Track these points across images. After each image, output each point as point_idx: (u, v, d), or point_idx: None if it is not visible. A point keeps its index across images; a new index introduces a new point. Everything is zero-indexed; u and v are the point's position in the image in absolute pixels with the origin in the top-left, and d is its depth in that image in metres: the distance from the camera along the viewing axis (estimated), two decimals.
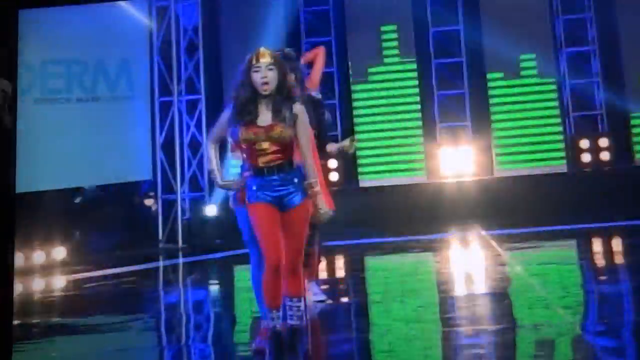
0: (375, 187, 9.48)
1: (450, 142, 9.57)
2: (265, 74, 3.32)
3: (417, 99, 9.67)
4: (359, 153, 9.47)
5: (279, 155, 3.35)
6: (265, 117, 3.34)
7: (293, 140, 3.39)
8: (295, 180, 3.39)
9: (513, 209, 8.50)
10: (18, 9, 5.29)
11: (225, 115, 3.40)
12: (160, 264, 8.31)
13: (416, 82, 9.72)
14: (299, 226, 3.38)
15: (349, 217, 8.23)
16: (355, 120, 9.72)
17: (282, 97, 3.37)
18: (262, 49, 3.41)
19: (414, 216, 8.84)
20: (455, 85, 9.74)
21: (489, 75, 9.68)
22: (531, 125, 9.47)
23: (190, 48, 9.61)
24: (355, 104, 9.77)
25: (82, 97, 8.86)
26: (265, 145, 3.31)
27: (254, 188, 3.37)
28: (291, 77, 3.54)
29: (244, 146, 3.36)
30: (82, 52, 8.72)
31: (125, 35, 9.16)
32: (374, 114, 9.68)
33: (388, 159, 9.59)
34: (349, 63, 9.85)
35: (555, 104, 9.50)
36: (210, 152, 3.52)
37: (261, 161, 3.33)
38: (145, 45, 9.47)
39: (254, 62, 3.35)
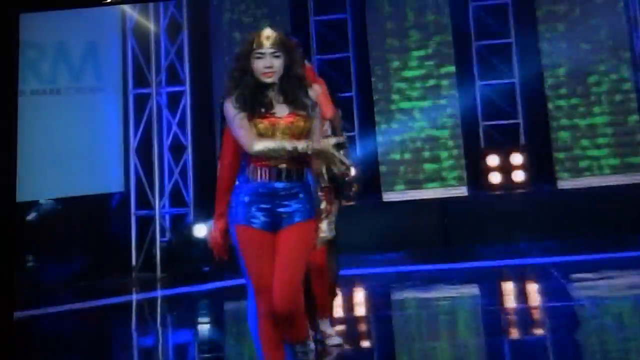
0: (402, 202, 9.29)
1: (498, 145, 9.39)
2: (270, 63, 3.31)
3: (454, 90, 9.46)
4: (381, 158, 9.34)
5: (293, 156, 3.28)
6: (280, 107, 3.33)
7: (307, 131, 3.35)
8: (301, 195, 3.33)
9: (580, 230, 8.39)
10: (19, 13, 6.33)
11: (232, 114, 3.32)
12: (134, 297, 8.21)
13: (453, 69, 9.51)
14: (295, 251, 3.29)
15: (369, 240, 8.59)
16: (377, 118, 9.56)
17: (292, 83, 3.36)
18: (266, 31, 3.37)
19: (451, 239, 8.74)
20: (501, 73, 9.56)
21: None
22: (606, 123, 9.24)
23: (172, 28, 9.53)
24: (375, 96, 9.61)
25: (37, 89, 8.78)
26: (284, 137, 3.27)
27: (246, 200, 3.30)
28: (301, 65, 3.49)
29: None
30: (38, 33, 8.58)
31: (90, 11, 8.99)
32: (398, 110, 9.53)
33: (417, 166, 9.41)
34: (369, 48, 9.70)
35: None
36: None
37: (269, 162, 3.27)
38: (117, 24, 9.39)
39: (255, 46, 3.32)
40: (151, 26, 9.34)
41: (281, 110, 3.32)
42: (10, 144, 6.24)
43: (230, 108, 3.31)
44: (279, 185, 3.29)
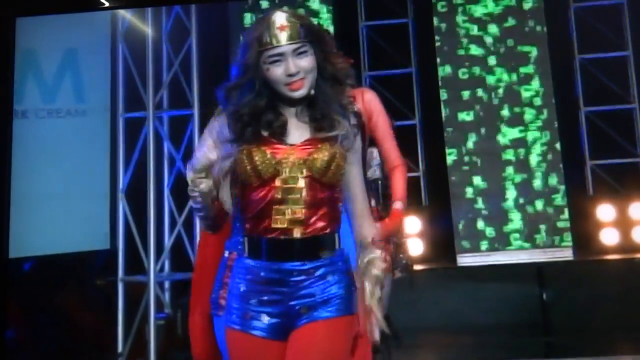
0: (483, 267, 7.77)
1: (612, 192, 7.89)
2: (294, 67, 2.42)
3: (548, 114, 7.95)
4: (453, 212, 7.91)
5: (319, 211, 2.46)
6: (297, 130, 2.51)
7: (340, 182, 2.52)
8: (331, 277, 2.48)
9: None
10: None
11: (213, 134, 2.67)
12: None
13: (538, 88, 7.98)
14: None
15: (434, 320, 7.14)
16: (448, 149, 8.04)
17: (324, 91, 2.49)
18: (278, 17, 2.46)
19: (551, 321, 7.08)
20: (613, 95, 8.02)
21: None
22: None
23: (177, 32, 8.21)
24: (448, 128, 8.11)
25: None
26: (297, 183, 2.44)
27: (241, 289, 2.50)
28: (339, 61, 2.57)
29: (242, 190, 2.50)
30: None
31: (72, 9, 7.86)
32: (476, 131, 8.08)
33: (505, 219, 7.91)
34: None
35: None
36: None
37: (278, 222, 2.44)
38: (104, 26, 8.16)
39: (267, 40, 2.43)
40: (149, 30, 7.98)
41: (297, 135, 2.50)
42: None
43: (212, 132, 2.67)
44: (290, 265, 2.45)
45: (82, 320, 7.73)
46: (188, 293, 7.77)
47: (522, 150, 7.91)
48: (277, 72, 2.46)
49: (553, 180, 7.86)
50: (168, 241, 7.89)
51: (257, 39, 2.48)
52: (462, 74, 8.13)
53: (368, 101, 3.69)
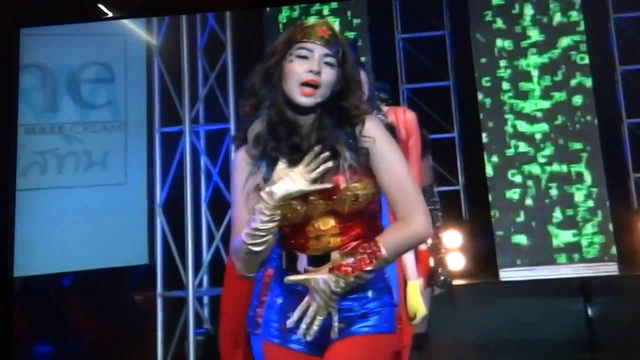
0: (525, 282, 7.62)
1: None
2: (316, 67, 2.35)
3: (593, 123, 7.78)
4: (496, 222, 7.72)
5: (351, 232, 2.44)
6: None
7: (375, 198, 2.45)
8: (371, 293, 2.46)
9: None
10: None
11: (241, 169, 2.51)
12: None
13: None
14: None
15: (477, 338, 6.93)
16: (488, 168, 7.82)
17: (341, 110, 2.42)
18: (323, 22, 2.45)
19: (601, 338, 6.87)
20: None
21: None
22: None
23: (212, 47, 8.19)
24: (486, 139, 7.92)
25: (32, 125, 7.65)
26: (328, 225, 2.43)
27: (278, 302, 2.53)
28: (354, 99, 2.50)
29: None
30: (39, 53, 7.71)
31: (105, 25, 7.90)
32: (517, 136, 7.88)
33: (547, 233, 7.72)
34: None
35: None
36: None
37: (311, 247, 2.44)
38: (140, 43, 8.17)
39: (298, 37, 2.40)
40: (184, 45, 7.90)
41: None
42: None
43: (241, 164, 2.51)
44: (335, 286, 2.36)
45: (120, 336, 7.71)
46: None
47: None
48: (299, 67, 2.40)
49: (596, 192, 7.76)
50: (206, 256, 7.87)
51: (293, 33, 2.45)
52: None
53: (409, 121, 3.72)
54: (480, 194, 7.96)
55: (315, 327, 2.39)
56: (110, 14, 7.09)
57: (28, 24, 7.16)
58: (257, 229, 2.33)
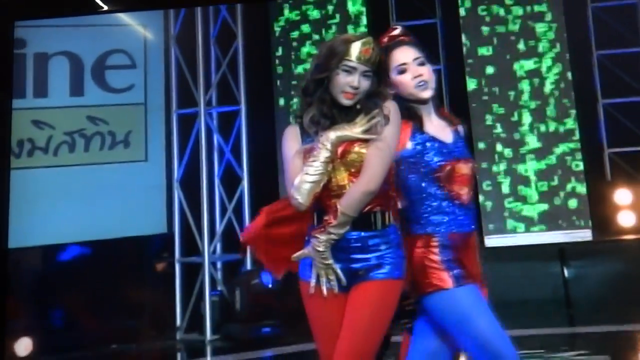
0: (506, 248, 8.06)
1: (629, 178, 8.20)
2: (357, 83, 2.96)
3: (572, 109, 8.21)
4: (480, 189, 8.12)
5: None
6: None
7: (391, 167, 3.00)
8: (384, 247, 2.96)
9: None
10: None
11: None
12: None
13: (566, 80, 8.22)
14: (362, 314, 2.93)
15: None
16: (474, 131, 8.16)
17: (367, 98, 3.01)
18: (366, 41, 2.98)
19: (575, 298, 7.47)
20: (628, 88, 8.32)
21: None
22: None
23: (224, 36, 8.62)
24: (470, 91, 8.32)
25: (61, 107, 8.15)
26: (341, 176, 2.95)
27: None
28: (382, 94, 3.08)
29: None
30: (66, 42, 8.19)
31: (127, 17, 8.44)
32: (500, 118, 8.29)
33: (525, 202, 8.15)
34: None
35: None
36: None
37: (335, 206, 2.93)
38: (158, 32, 8.60)
39: (346, 55, 2.95)
40: (199, 34, 8.42)
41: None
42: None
43: (293, 134, 3.07)
44: (350, 235, 2.94)
45: (143, 298, 8.11)
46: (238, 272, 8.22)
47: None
48: (344, 79, 2.97)
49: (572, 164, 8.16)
50: (220, 226, 8.33)
51: (346, 49, 2.97)
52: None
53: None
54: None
55: (332, 283, 2.92)
56: (105, 7, 7.22)
57: (22, 17, 7.32)
58: (317, 161, 2.89)
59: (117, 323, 7.76)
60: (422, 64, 3.16)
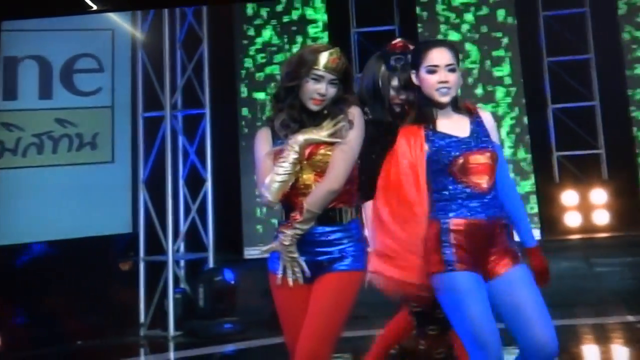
0: None
1: (575, 180, 8.47)
2: (324, 90, 3.14)
3: (521, 113, 8.46)
4: None
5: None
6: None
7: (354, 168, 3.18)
8: (346, 241, 3.14)
9: None
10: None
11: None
12: None
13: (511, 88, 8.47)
14: (326, 301, 3.10)
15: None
16: None
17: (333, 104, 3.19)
18: (333, 52, 3.19)
19: None
20: (576, 94, 8.58)
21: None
22: None
23: (190, 41, 8.69)
24: None
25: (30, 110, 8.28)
26: (307, 176, 3.13)
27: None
28: (349, 100, 3.25)
29: None
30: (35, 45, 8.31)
31: (95, 21, 8.48)
32: None
33: None
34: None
35: None
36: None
37: (301, 203, 3.11)
38: (125, 36, 8.70)
39: (315, 64, 3.14)
40: (165, 39, 8.44)
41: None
42: None
43: (264, 136, 3.24)
44: (319, 230, 3.13)
45: (108, 295, 8.23)
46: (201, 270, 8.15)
47: None
48: (312, 87, 3.14)
49: (523, 167, 8.34)
50: (183, 225, 8.42)
51: (314, 58, 3.15)
52: None
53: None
54: None
55: (297, 275, 3.08)
56: (94, 7, 7.47)
57: (10, 17, 7.47)
58: (286, 162, 3.06)
59: (82, 320, 7.81)
60: (452, 70, 3.14)
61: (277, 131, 3.19)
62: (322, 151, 3.12)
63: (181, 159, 8.62)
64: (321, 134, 3.11)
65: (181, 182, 8.57)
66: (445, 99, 3.14)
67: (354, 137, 3.14)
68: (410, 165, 3.11)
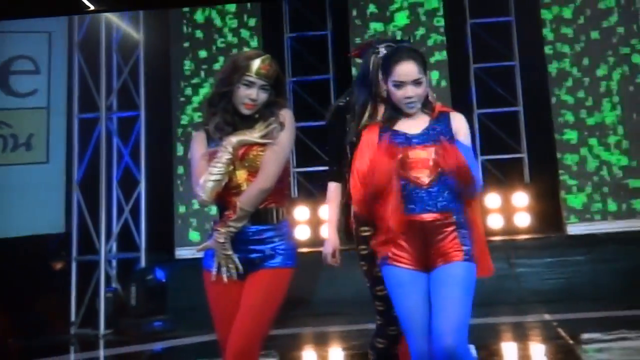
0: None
1: (498, 183, 8.66)
2: (255, 95, 3.23)
3: None
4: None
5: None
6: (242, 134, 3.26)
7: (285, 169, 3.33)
8: (277, 239, 3.25)
9: (593, 284, 7.60)
10: None
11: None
12: (72, 358, 7.51)
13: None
14: (257, 298, 3.19)
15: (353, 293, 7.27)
16: None
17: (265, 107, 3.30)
18: (265, 59, 3.28)
19: None
20: (500, 99, 8.76)
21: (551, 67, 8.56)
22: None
23: (126, 43, 8.80)
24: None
25: None
26: (240, 175, 3.22)
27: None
28: (281, 103, 3.37)
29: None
30: None
31: (32, 23, 8.50)
32: None
33: None
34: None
35: None
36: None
37: (234, 202, 3.20)
38: (62, 39, 8.70)
39: (247, 71, 3.24)
40: (102, 42, 8.49)
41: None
42: None
43: (200, 138, 3.30)
44: (252, 229, 3.22)
45: (39, 294, 8.19)
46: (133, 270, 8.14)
47: None
48: (244, 92, 3.22)
49: None
50: (116, 226, 8.48)
51: (247, 65, 3.24)
52: None
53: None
54: None
55: (231, 272, 3.16)
56: (91, 7, 7.32)
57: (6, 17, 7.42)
58: (220, 162, 3.15)
59: (14, 318, 7.65)
60: (419, 84, 3.16)
61: (211, 134, 3.27)
62: (254, 152, 3.21)
63: (115, 161, 8.67)
64: (253, 135, 3.20)
65: (115, 184, 8.61)
66: (412, 111, 3.19)
67: (285, 138, 3.25)
68: (369, 160, 3.18)
